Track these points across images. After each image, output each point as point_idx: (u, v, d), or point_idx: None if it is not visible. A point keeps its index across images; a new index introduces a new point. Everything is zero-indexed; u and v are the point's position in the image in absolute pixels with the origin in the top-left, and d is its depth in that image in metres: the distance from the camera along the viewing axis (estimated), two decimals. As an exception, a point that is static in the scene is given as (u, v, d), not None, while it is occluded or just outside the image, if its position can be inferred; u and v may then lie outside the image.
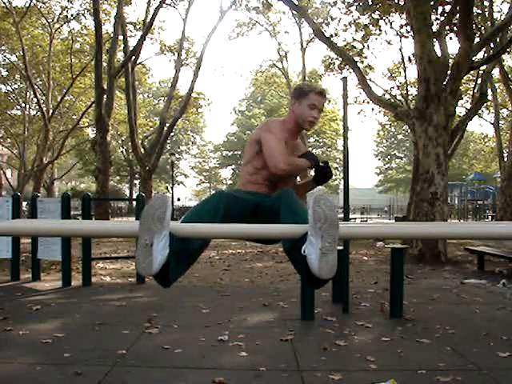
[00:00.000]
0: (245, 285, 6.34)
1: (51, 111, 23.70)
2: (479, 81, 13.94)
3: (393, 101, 14.92)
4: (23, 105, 26.79)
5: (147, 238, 1.66)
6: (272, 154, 2.30)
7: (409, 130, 14.52)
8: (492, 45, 12.02)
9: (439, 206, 8.59)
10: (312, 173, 2.54)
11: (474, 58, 9.72)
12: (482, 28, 12.68)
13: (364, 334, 3.96)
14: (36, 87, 22.77)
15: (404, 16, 11.65)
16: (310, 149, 40.58)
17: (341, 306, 4.74)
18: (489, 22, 12.88)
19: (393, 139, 48.09)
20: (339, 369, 3.14)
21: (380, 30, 13.30)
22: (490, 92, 16.35)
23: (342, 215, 5.39)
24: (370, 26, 13.06)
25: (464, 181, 33.06)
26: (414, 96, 16.93)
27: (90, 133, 32.03)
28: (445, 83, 8.90)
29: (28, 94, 25.76)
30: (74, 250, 6.93)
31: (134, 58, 18.75)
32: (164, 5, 18.50)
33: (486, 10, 13.13)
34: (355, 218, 24.78)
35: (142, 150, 20.83)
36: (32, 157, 27.65)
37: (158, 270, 1.69)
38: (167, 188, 46.81)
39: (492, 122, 20.73)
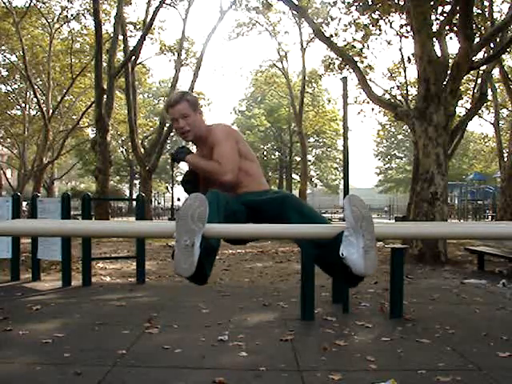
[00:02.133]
0: (245, 285, 6.34)
1: (51, 111, 23.67)
2: (479, 81, 13.93)
3: (393, 101, 14.90)
4: (23, 105, 26.78)
5: (187, 238, 1.65)
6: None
7: (409, 130, 14.52)
8: (492, 45, 12.01)
9: (439, 206, 8.59)
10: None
11: (474, 58, 9.71)
12: (482, 28, 12.67)
13: (364, 334, 3.97)
14: (36, 87, 22.74)
15: (404, 16, 11.63)
16: (310, 149, 40.60)
17: (341, 306, 4.74)
18: (489, 22, 12.86)
19: (393, 139, 48.03)
20: (339, 369, 3.14)
21: (380, 30, 13.28)
22: (490, 92, 16.34)
23: (342, 215, 5.39)
24: (370, 26, 13.04)
25: (464, 181, 33.04)
26: (414, 96, 16.91)
27: (90, 133, 32.01)
28: (445, 83, 8.89)
29: (28, 94, 25.74)
30: (74, 249, 6.93)
31: (134, 57, 18.73)
32: (164, 5, 18.47)
33: (486, 10, 13.12)
34: (355, 218, 24.67)
35: (142, 150, 20.82)
36: (32, 157, 27.63)
37: (196, 269, 1.69)
38: (167, 188, 46.77)
39: (492, 121, 20.73)
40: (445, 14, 10.17)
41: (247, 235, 1.98)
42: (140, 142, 21.71)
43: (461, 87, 11.69)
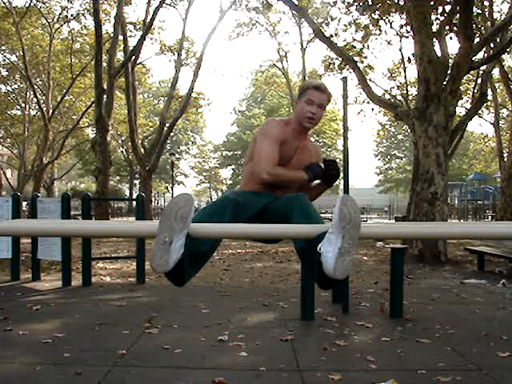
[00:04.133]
0: (245, 285, 6.34)
1: (51, 111, 23.67)
2: (479, 81, 13.93)
3: (393, 101, 14.90)
4: (23, 105, 26.77)
5: (167, 235, 1.66)
6: (258, 159, 2.29)
7: (409, 130, 14.51)
8: (492, 45, 12.01)
9: (439, 206, 8.59)
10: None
11: (474, 58, 9.71)
12: (482, 28, 12.68)
13: (364, 334, 3.96)
14: (36, 87, 22.74)
15: (404, 16, 11.63)
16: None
17: (341, 305, 4.74)
18: (489, 22, 12.87)
19: (393, 139, 48.08)
20: (339, 369, 3.14)
21: (380, 30, 13.28)
22: (490, 92, 16.34)
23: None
24: (370, 26, 13.05)
25: (464, 181, 33.04)
26: (414, 96, 16.92)
27: (90, 133, 32.02)
28: (445, 83, 8.90)
29: (28, 94, 25.73)
30: (74, 250, 6.93)
31: (133, 58, 18.73)
32: (164, 5, 18.48)
33: (486, 10, 13.13)
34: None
35: (142, 150, 20.82)
36: (32, 157, 27.63)
37: (172, 268, 1.69)
38: (167, 188, 46.81)
39: (492, 122, 20.73)
40: (445, 14, 10.16)
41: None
42: (140, 141, 21.70)
43: (461, 87, 11.69)
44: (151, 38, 21.47)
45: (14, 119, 27.68)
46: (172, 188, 27.22)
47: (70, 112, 26.85)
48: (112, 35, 17.32)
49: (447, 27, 10.07)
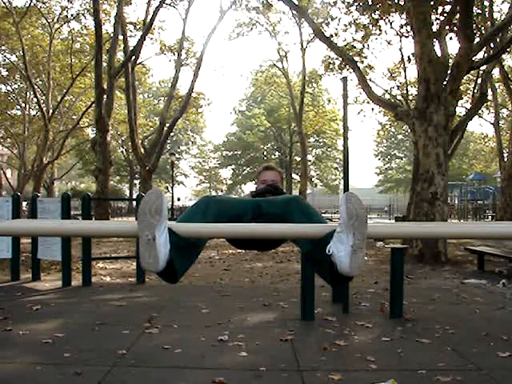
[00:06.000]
0: (245, 285, 6.34)
1: (51, 111, 23.67)
2: (479, 81, 13.93)
3: (393, 101, 14.90)
4: (23, 105, 26.76)
5: (148, 233, 1.66)
6: None
7: (409, 130, 14.52)
8: (492, 45, 12.02)
9: (439, 206, 8.59)
10: None
11: (474, 58, 9.71)
12: (482, 28, 12.68)
13: (364, 334, 3.96)
14: (36, 87, 22.73)
15: (404, 16, 11.64)
16: (310, 149, 40.56)
17: (341, 306, 4.74)
18: (489, 22, 12.87)
19: (393, 139, 48.04)
20: (339, 369, 3.14)
21: (380, 30, 13.30)
22: (490, 92, 16.34)
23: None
24: (370, 26, 13.06)
25: (464, 181, 33.04)
26: (414, 96, 16.91)
27: (90, 133, 32.02)
28: (445, 83, 8.90)
29: (28, 94, 25.72)
30: (74, 249, 6.93)
31: (133, 58, 18.74)
32: (164, 5, 18.49)
33: (486, 10, 13.13)
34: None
35: (142, 150, 20.82)
36: (32, 157, 27.63)
37: (165, 266, 1.69)
38: (167, 188, 46.81)
39: (492, 122, 20.73)
40: (445, 14, 10.17)
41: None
42: (140, 141, 21.70)
43: (461, 87, 11.68)
44: (151, 38, 21.49)
45: (14, 119, 27.67)
46: (172, 188, 27.17)
47: (70, 112, 26.85)
48: (112, 35, 17.32)
49: (447, 27, 10.07)
